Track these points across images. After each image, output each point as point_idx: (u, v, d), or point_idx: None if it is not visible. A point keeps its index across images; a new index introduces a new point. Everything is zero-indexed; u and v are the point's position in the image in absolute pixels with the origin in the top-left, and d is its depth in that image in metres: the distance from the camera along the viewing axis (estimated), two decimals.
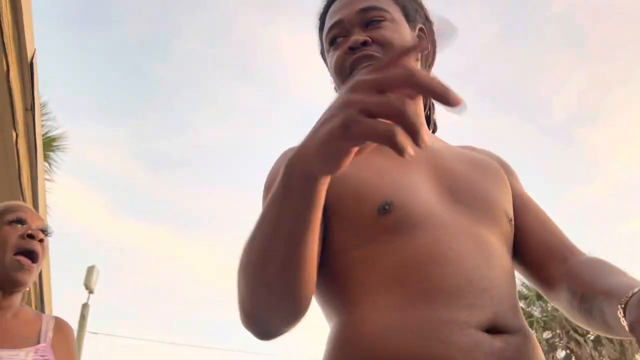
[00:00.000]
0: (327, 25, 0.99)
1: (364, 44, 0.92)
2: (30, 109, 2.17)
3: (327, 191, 0.63)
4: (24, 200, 2.51)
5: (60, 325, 1.41)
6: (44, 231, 1.38)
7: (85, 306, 10.48)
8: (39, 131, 2.35)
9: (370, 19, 0.95)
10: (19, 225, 1.34)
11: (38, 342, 1.28)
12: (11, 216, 1.36)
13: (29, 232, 1.32)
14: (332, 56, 0.97)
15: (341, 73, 0.94)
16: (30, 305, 3.25)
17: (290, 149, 0.85)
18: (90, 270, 10.57)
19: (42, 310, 3.29)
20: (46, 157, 9.42)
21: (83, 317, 10.30)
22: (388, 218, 0.79)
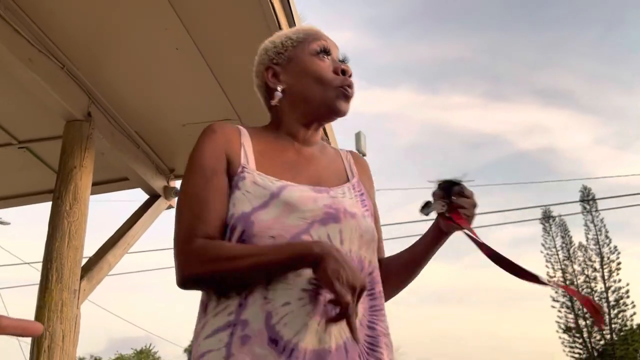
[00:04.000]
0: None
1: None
2: None
3: None
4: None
5: (356, 157, 1.38)
6: (343, 60, 1.29)
7: None
8: None
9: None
10: (326, 57, 1.26)
11: (347, 179, 1.26)
12: (316, 45, 1.27)
13: (342, 67, 1.25)
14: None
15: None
16: None
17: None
18: (358, 136, 11.22)
19: None
20: None
21: None
22: None
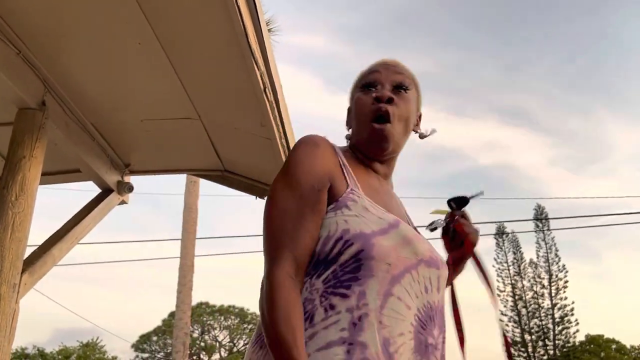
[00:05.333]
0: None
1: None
2: None
3: None
4: (255, 62, 2.58)
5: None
6: (401, 86, 1.28)
7: None
8: None
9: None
10: (371, 89, 1.28)
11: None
12: (362, 81, 1.31)
13: (375, 95, 1.26)
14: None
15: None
16: (281, 165, 3.47)
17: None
18: None
19: None
20: None
21: None
22: None
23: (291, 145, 3.28)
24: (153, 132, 3.28)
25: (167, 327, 35.48)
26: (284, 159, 3.38)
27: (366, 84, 1.30)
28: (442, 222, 1.30)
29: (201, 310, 37.86)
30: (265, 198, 1.19)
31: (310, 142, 1.17)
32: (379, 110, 1.25)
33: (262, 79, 2.71)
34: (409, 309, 1.06)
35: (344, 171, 1.17)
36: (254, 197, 3.62)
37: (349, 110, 1.35)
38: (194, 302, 12.66)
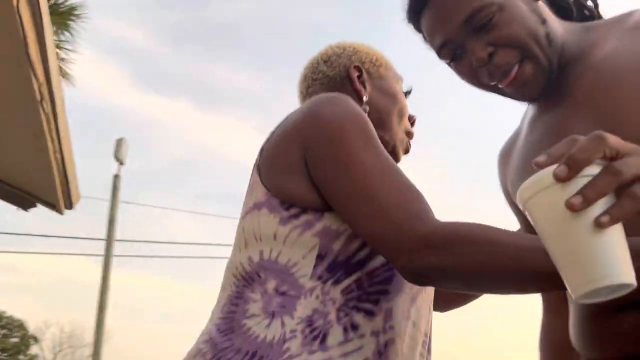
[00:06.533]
0: (433, 46, 0.99)
1: (490, 56, 0.91)
2: None
3: None
4: (34, 73, 2.41)
5: None
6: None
7: (116, 177, 10.77)
8: None
9: (479, 26, 0.91)
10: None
11: None
12: (404, 86, 1.16)
13: (415, 119, 1.15)
14: (457, 67, 0.98)
15: (479, 85, 0.98)
16: (54, 179, 3.26)
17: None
18: (119, 142, 10.71)
19: (67, 184, 3.31)
20: (67, 27, 9.23)
21: (115, 188, 10.63)
22: None
23: (67, 161, 3.10)
24: None
25: None
26: (56, 172, 3.17)
27: (407, 93, 1.17)
28: None
29: None
30: (333, 147, 0.84)
31: (358, 108, 0.90)
32: (409, 139, 1.14)
33: (40, 90, 2.55)
34: (420, 336, 0.90)
35: None
36: (17, 208, 3.35)
37: (362, 74, 1.10)
38: None
